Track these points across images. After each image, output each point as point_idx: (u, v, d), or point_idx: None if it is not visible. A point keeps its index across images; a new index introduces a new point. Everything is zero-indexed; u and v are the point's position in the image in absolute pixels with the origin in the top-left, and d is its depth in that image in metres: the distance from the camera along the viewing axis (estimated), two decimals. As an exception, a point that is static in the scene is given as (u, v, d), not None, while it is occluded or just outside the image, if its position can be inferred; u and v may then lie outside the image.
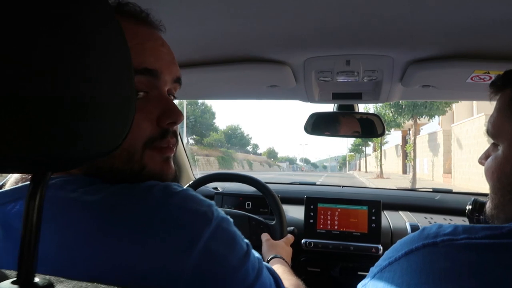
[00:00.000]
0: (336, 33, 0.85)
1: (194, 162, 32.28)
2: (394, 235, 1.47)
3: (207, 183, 1.47)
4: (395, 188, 2.23)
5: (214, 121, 56.30)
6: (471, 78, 0.97)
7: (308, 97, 1.26)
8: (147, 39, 0.53)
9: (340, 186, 2.02)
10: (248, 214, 1.39)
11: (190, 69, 1.06)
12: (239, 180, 1.41)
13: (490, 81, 1.01)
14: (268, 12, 0.75)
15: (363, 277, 1.43)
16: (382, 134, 1.37)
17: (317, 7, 0.72)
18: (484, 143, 12.96)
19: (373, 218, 1.46)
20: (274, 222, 1.35)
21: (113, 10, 0.36)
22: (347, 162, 78.68)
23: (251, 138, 79.01)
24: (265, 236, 1.25)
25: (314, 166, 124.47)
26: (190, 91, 1.32)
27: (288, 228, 1.44)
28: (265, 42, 0.92)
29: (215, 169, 38.05)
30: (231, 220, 0.53)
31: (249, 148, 79.74)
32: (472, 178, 13.81)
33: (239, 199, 1.71)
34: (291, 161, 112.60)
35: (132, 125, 0.41)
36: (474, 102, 16.84)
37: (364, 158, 47.83)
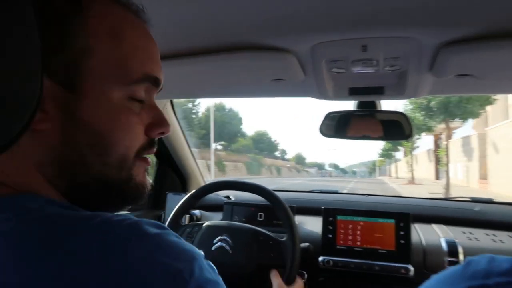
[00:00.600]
0: (348, 11, 0.67)
1: (223, 168, 32.39)
2: (427, 253, 1.26)
3: (211, 192, 1.32)
4: (427, 197, 1.98)
5: (241, 126, 56.45)
6: None
7: (321, 93, 1.08)
8: (149, 40, 0.48)
9: (364, 194, 1.81)
10: (256, 228, 1.22)
11: (176, 61, 0.91)
12: (244, 189, 1.25)
13: None
14: None
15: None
16: (409, 136, 1.16)
17: None
18: (523, 146, 12.24)
19: (402, 233, 1.26)
20: (285, 237, 1.17)
21: None
22: (377, 168, 77.06)
23: (278, 143, 78.84)
24: (275, 280, 1.07)
25: (343, 171, 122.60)
26: (178, 88, 1.16)
27: (302, 245, 1.26)
28: (263, 25, 0.76)
29: (243, 175, 38.14)
30: (220, 283, 0.40)
31: (277, 153, 79.48)
32: (511, 184, 13.02)
33: (251, 209, 1.54)
34: (320, 167, 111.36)
35: (130, 131, 0.45)
36: (510, 103, 15.99)
37: (395, 163, 46.50)
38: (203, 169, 1.93)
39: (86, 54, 0.41)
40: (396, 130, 1.17)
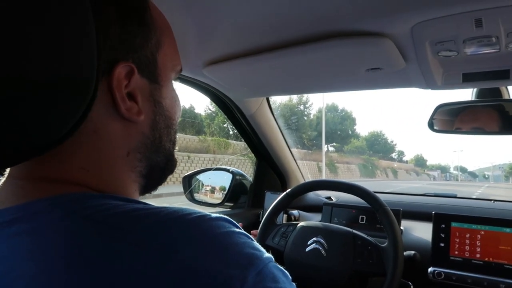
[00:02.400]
0: None
1: (335, 170, 31.78)
2: None
3: (307, 191, 1.27)
4: None
5: (354, 127, 54.66)
6: None
7: (427, 82, 0.95)
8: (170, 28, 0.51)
9: (490, 200, 1.55)
10: (353, 231, 1.13)
11: (266, 56, 0.89)
12: (340, 189, 1.17)
13: None
14: None
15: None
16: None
17: None
18: None
19: None
20: (386, 243, 1.06)
21: None
22: None
23: (395, 144, 74.27)
24: None
25: (472, 175, 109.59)
26: (269, 85, 1.13)
27: (407, 253, 1.13)
28: (352, 8, 0.69)
29: (355, 177, 36.89)
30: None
31: (394, 155, 74.92)
32: None
33: (352, 211, 1.44)
34: (443, 170, 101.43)
35: (179, 110, 0.52)
36: None
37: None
38: (315, 171, 1.90)
39: (158, 47, 0.46)
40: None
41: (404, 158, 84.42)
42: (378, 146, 66.00)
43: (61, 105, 0.34)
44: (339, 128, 50.05)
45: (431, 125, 1.11)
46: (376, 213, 1.10)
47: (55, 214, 0.35)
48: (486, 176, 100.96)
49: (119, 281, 0.31)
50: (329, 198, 1.72)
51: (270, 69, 0.98)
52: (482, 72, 0.88)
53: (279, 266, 0.39)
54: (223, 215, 0.40)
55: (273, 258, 0.38)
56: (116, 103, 0.41)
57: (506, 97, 1.01)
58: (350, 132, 53.19)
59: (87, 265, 0.32)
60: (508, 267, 1.06)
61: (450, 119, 1.08)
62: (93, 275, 0.32)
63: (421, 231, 1.30)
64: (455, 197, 1.72)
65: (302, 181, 1.83)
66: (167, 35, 0.47)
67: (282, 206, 1.25)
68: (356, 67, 0.91)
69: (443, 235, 1.16)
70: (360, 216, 1.42)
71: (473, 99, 1.04)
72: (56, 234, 0.34)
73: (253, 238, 0.39)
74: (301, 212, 1.58)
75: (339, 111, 51.44)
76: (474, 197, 1.71)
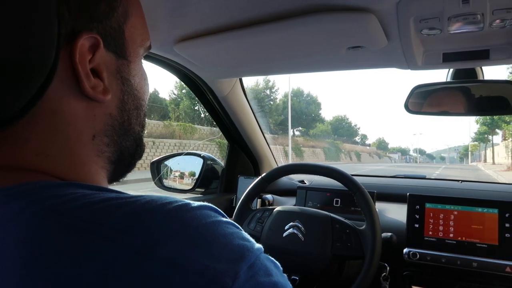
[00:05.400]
0: None
1: (300, 154, 32.26)
2: None
3: (284, 175, 1.24)
4: None
5: (320, 111, 55.52)
6: None
7: (408, 61, 0.93)
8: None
9: (458, 180, 1.59)
10: (331, 214, 1.12)
11: (240, 33, 0.83)
12: (318, 172, 1.16)
13: None
14: None
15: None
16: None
17: None
18: None
19: (507, 225, 1.07)
20: (364, 226, 1.06)
21: None
22: (469, 153, 70.97)
23: (359, 128, 76.27)
24: None
25: (430, 157, 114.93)
26: (242, 65, 1.08)
27: (384, 235, 1.13)
28: None
29: (321, 160, 37.74)
30: (281, 285, 0.33)
31: (357, 139, 77.03)
32: None
33: (326, 195, 1.43)
34: (404, 152, 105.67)
35: (148, 91, 0.46)
36: None
37: (491, 147, 42.21)
38: (281, 155, 1.87)
39: (126, 18, 0.41)
40: (504, 102, 0.98)
41: (367, 142, 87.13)
42: (342, 130, 67.61)
43: (12, 80, 0.30)
44: (305, 113, 50.68)
45: (407, 106, 1.10)
46: (354, 196, 1.09)
47: (11, 207, 0.30)
48: (442, 158, 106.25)
49: (89, 286, 0.27)
50: (302, 181, 1.70)
51: (246, 47, 0.92)
52: (462, 52, 0.87)
53: (270, 257, 0.35)
54: (207, 203, 0.35)
55: (263, 248, 0.35)
56: (79, 80, 0.36)
57: (481, 77, 1.01)
58: (315, 117, 54.00)
59: (49, 266, 0.27)
60: (480, 246, 1.08)
61: (424, 101, 1.07)
62: (56, 279, 0.27)
63: (395, 213, 1.32)
64: (425, 178, 1.75)
65: (275, 165, 1.81)
66: (134, 5, 0.43)
67: (258, 191, 1.22)
68: (337, 45, 0.87)
69: (417, 216, 1.17)
70: (335, 199, 1.41)
71: (449, 80, 1.04)
72: (12, 230, 0.29)
73: (241, 228, 0.35)
74: (275, 196, 1.55)
75: (304, 95, 51.99)
76: (444, 178, 1.75)
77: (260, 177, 1.22)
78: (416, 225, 1.17)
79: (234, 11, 0.78)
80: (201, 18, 0.83)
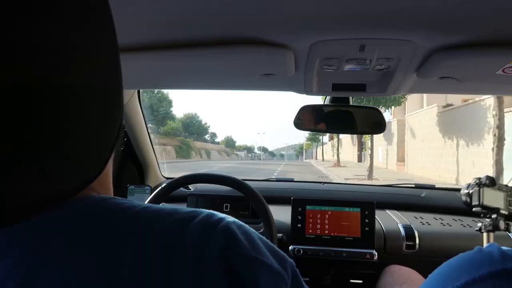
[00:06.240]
0: (352, 12, 0.69)
1: (151, 152, 31.38)
2: (387, 239, 1.37)
3: (186, 185, 1.29)
4: (376, 184, 2.13)
5: (171, 109, 54.98)
6: (503, 70, 0.85)
7: (306, 88, 1.10)
8: None
9: (321, 182, 1.89)
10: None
11: (167, 52, 0.86)
12: (219, 182, 1.24)
13: None
14: None
15: (356, 285, 1.29)
16: (382, 130, 1.23)
17: None
18: (435, 132, 13.55)
19: (366, 220, 1.35)
20: (262, 229, 1.19)
21: None
22: (303, 151, 79.92)
23: (209, 126, 78.26)
24: None
25: (272, 154, 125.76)
26: (163, 79, 1.11)
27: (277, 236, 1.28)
28: (266, 21, 0.74)
29: (172, 158, 37.43)
30: None
31: (207, 137, 79.03)
32: (424, 167, 14.41)
33: (217, 200, 1.53)
34: (249, 150, 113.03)
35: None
36: (424, 94, 17.59)
37: (321, 146, 48.69)
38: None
39: None
40: (370, 124, 1.24)
41: (216, 140, 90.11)
42: (193, 128, 68.24)
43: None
44: (156, 110, 49.49)
45: (296, 123, 1.28)
46: (251, 202, 1.21)
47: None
48: (282, 155, 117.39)
49: None
50: (187, 187, 1.75)
51: (168, 66, 0.95)
52: (347, 83, 1.08)
53: None
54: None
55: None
56: None
57: (351, 103, 1.26)
58: (166, 114, 53.23)
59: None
60: (348, 239, 1.34)
61: (312, 119, 1.27)
62: None
63: (278, 215, 1.49)
64: (292, 181, 2.01)
65: (159, 174, 1.81)
66: None
67: (160, 200, 1.23)
68: (254, 72, 0.97)
69: (300, 217, 1.37)
70: (224, 204, 1.52)
71: (326, 103, 1.26)
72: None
73: None
74: (165, 204, 1.57)
75: (155, 92, 50.72)
76: (307, 180, 2.04)
77: (161, 188, 1.23)
78: (299, 225, 1.37)
79: (162, 31, 0.80)
80: (122, 34, 0.82)
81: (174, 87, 1.22)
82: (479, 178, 1.19)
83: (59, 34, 0.26)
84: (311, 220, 1.37)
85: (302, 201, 1.39)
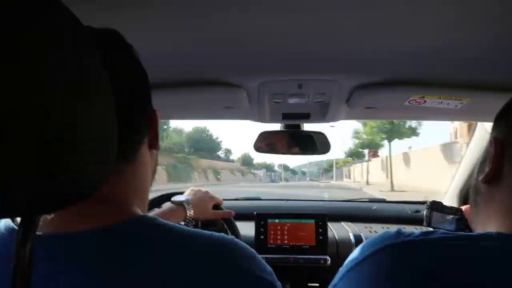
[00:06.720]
0: (290, 59, 1.05)
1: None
2: (339, 246, 1.76)
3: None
4: (334, 199, 2.64)
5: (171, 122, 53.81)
6: (409, 102, 1.24)
7: (260, 118, 1.52)
8: None
9: (283, 200, 2.39)
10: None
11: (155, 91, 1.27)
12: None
13: (425, 104, 1.29)
14: (226, 38, 0.91)
15: (313, 288, 1.67)
16: (326, 151, 1.66)
17: (273, 35, 0.88)
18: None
19: (320, 230, 1.74)
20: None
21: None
22: (334, 169, 74.26)
23: (221, 141, 77.71)
24: None
25: (293, 172, 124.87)
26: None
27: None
28: (222, 67, 1.11)
29: (162, 181, 34.33)
30: None
31: (220, 153, 78.63)
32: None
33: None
34: (269, 168, 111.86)
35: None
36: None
37: (352, 166, 46.30)
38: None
39: None
40: (316, 146, 1.68)
41: (231, 157, 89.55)
42: (203, 143, 67.83)
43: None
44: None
45: (255, 146, 1.72)
46: (223, 222, 1.48)
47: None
48: (304, 173, 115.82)
49: None
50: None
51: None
52: (294, 113, 1.49)
53: None
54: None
55: None
56: (154, 139, 0.65)
57: (303, 129, 1.70)
58: (167, 127, 52.27)
59: None
60: (304, 247, 1.72)
61: (269, 143, 1.71)
62: None
63: (243, 229, 1.62)
64: (259, 199, 2.51)
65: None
66: None
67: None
68: (218, 106, 1.39)
69: (262, 230, 1.77)
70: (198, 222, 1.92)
71: (281, 129, 1.70)
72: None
73: None
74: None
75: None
76: (272, 198, 2.56)
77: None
78: (262, 237, 1.76)
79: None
80: None
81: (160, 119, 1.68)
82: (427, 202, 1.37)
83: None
84: (273, 232, 1.77)
85: (264, 215, 1.79)
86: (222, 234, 0.57)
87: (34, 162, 0.33)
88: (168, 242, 0.51)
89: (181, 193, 1.41)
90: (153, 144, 0.64)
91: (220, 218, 1.43)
